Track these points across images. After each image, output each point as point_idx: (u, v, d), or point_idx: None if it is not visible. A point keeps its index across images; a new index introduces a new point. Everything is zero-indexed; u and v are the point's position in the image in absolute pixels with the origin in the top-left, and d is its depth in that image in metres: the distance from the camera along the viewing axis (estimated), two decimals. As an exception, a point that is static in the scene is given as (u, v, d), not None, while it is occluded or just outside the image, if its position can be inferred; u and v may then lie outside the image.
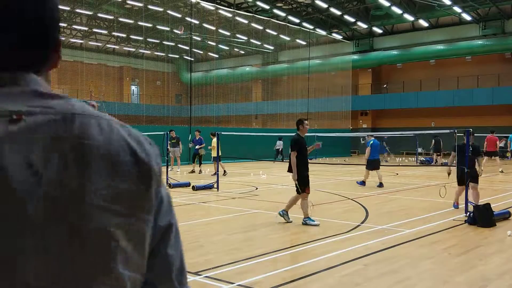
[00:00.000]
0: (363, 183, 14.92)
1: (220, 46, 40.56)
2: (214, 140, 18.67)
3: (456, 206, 10.33)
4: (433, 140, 25.32)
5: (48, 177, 0.69)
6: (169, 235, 0.84)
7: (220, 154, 18.18)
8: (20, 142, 0.69)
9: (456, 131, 10.86)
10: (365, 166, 15.00)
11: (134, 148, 0.78)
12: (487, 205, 8.56)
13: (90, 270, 0.72)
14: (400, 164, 25.31)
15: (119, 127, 0.78)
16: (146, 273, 0.82)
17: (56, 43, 0.81)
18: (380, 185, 14.41)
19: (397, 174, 19.92)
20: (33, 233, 0.68)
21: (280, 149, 26.69)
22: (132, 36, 39.86)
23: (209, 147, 18.34)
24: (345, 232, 7.84)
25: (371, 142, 14.81)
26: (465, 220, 8.65)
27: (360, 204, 11.08)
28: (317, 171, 21.30)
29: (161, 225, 0.82)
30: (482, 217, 8.33)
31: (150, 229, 0.80)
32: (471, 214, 8.48)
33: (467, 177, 9.44)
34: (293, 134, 8.85)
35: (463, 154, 9.74)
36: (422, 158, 28.13)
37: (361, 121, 39.11)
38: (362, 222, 8.73)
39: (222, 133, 16.99)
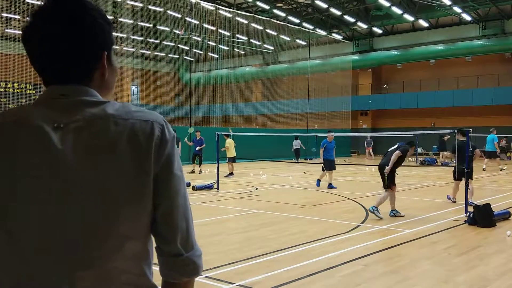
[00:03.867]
0: None
1: (220, 46, 40.53)
2: (228, 140, 18.70)
3: (453, 199, 11.26)
4: (439, 140, 25.94)
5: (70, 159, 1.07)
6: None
7: (235, 155, 18.63)
8: (54, 141, 1.06)
9: (456, 131, 10.88)
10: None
11: (136, 142, 1.11)
12: (487, 205, 8.56)
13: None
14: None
15: (132, 123, 1.12)
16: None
17: (99, 65, 1.18)
18: None
19: (397, 174, 19.90)
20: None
21: (299, 149, 26.66)
22: (132, 36, 39.82)
23: (222, 149, 18.30)
24: (345, 232, 7.84)
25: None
26: (465, 220, 8.65)
27: (360, 204, 11.09)
28: (317, 171, 21.28)
29: None
30: (482, 217, 8.33)
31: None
32: (471, 214, 8.48)
33: (468, 175, 10.12)
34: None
35: (461, 153, 10.49)
36: (422, 159, 28.15)
37: (361, 121, 39.11)
38: (362, 222, 8.73)
39: (228, 133, 17.11)
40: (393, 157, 9.39)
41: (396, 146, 9.74)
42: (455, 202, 11.16)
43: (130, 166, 1.09)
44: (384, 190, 9.41)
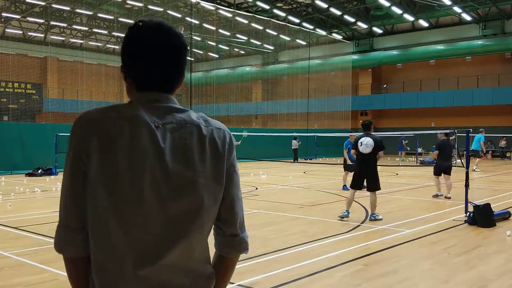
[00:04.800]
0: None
1: (220, 46, 40.54)
2: None
3: (439, 194, 12.08)
4: None
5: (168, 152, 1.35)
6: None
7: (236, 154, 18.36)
8: (158, 137, 1.35)
9: (456, 131, 10.89)
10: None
11: (215, 145, 1.43)
12: (487, 205, 8.56)
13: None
14: (400, 164, 25.31)
15: (211, 130, 1.44)
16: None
17: (181, 81, 1.49)
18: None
19: (397, 174, 19.92)
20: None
21: (297, 149, 26.71)
22: (132, 36, 39.80)
23: None
24: (345, 232, 7.84)
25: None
26: (465, 220, 8.64)
27: (360, 204, 11.09)
28: (317, 171, 21.29)
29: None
30: (482, 217, 8.33)
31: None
32: (471, 214, 8.47)
33: (448, 170, 11.90)
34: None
35: (442, 151, 11.97)
36: (422, 159, 28.15)
37: (361, 121, 39.05)
38: (362, 222, 8.73)
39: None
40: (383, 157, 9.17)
41: (369, 141, 8.77)
42: (442, 195, 11.96)
43: (212, 164, 1.41)
44: (371, 192, 8.87)
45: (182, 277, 1.38)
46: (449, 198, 11.63)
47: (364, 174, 8.96)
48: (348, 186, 13.83)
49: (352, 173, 13.80)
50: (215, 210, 1.44)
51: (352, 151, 9.29)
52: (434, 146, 29.27)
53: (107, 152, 1.32)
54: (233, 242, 1.51)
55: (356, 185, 9.09)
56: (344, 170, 14.14)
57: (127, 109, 1.38)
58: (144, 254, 1.33)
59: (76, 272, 1.42)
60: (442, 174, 12.02)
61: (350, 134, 14.44)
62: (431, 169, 22.79)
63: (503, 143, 31.98)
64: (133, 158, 1.32)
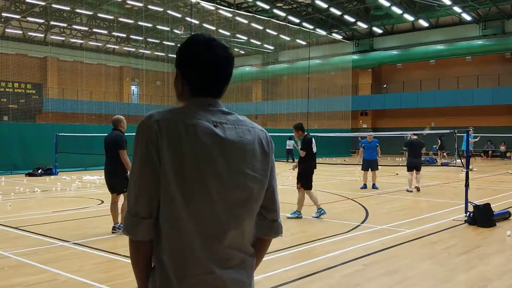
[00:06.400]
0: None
1: (220, 46, 40.45)
2: None
3: (410, 189, 13.33)
4: (439, 140, 26.22)
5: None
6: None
7: None
8: (220, 134, 1.56)
9: (456, 131, 10.89)
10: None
11: (262, 144, 1.66)
12: (487, 205, 8.56)
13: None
14: (400, 164, 25.28)
15: (257, 131, 1.67)
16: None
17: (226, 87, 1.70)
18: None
19: (397, 174, 19.91)
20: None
21: (291, 149, 26.78)
22: (132, 36, 39.80)
23: None
24: (345, 232, 7.84)
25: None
26: (465, 220, 8.65)
27: (360, 204, 11.09)
28: (316, 171, 21.25)
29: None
30: (482, 217, 8.33)
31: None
32: (471, 214, 8.47)
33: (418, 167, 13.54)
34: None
35: (412, 149, 13.54)
36: (422, 158, 28.18)
37: (361, 121, 39.10)
38: (362, 222, 8.73)
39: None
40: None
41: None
42: (412, 191, 13.18)
43: (261, 161, 1.63)
44: (309, 190, 9.35)
45: (238, 254, 1.60)
46: (419, 189, 13.36)
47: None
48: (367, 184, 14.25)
49: (372, 171, 14.18)
50: (261, 199, 1.66)
51: (303, 152, 9.62)
52: (435, 146, 29.39)
53: (176, 150, 1.51)
54: (273, 226, 1.76)
55: (311, 185, 9.47)
56: (362, 169, 14.48)
57: (188, 112, 1.58)
58: (209, 237, 1.53)
59: (141, 254, 1.60)
60: (414, 170, 13.51)
61: (369, 134, 14.61)
62: (431, 169, 22.92)
63: (502, 148, 32.05)
64: (198, 154, 1.52)
